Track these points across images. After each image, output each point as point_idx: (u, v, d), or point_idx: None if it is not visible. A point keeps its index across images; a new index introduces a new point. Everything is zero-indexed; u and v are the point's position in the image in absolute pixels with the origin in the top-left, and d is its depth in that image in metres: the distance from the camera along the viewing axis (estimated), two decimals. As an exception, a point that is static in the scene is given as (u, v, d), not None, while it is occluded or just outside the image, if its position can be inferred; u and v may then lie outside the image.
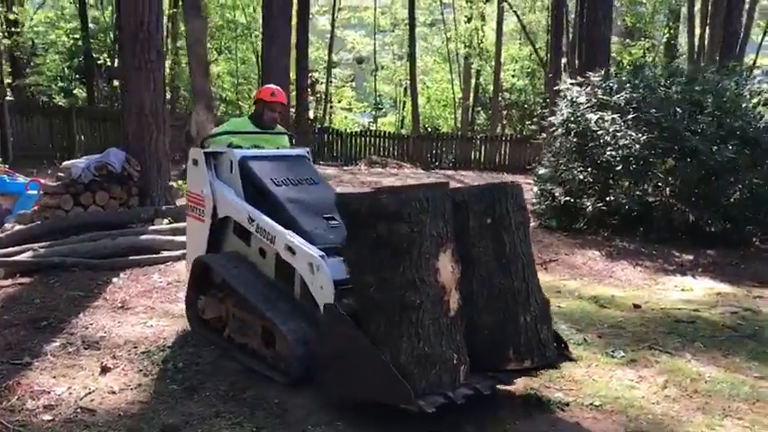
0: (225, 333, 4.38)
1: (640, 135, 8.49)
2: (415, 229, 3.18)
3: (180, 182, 8.61)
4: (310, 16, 23.69)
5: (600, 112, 8.95)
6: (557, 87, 11.13)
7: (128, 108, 8.54)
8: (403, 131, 26.83)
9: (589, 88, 9.48)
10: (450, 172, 19.32)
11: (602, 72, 9.79)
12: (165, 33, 14.85)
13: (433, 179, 15.31)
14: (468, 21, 28.71)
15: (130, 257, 6.52)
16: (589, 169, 8.99)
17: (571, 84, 9.93)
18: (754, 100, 9.09)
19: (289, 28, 14.10)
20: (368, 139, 22.43)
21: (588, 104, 9.24)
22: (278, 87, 5.52)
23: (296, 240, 3.97)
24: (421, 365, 3.17)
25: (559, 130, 9.61)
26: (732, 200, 8.32)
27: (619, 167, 8.56)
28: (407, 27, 25.15)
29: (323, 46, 29.97)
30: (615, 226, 8.88)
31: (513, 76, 29.56)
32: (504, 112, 28.51)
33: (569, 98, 9.61)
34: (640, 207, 8.55)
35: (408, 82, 26.54)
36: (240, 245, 4.50)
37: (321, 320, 3.54)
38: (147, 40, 8.24)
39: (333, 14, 28.30)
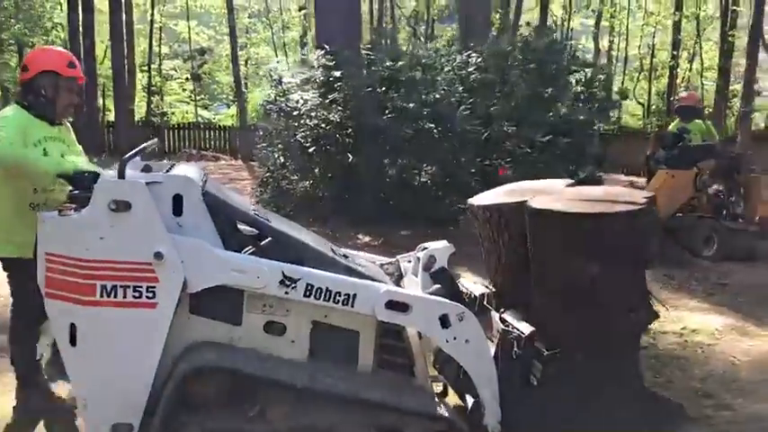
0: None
1: (330, 114, 8.41)
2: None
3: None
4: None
5: (305, 92, 8.69)
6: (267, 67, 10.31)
7: None
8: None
9: (307, 67, 9.15)
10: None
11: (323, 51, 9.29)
12: None
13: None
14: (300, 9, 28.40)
15: None
16: (287, 152, 8.77)
17: (277, 62, 9.27)
18: (446, 68, 9.66)
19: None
20: (188, 132, 22.01)
21: (298, 83, 8.91)
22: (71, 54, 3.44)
23: (400, 291, 2.88)
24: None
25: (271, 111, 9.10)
26: (422, 179, 8.84)
27: (312, 149, 8.37)
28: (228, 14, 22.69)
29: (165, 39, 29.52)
30: (322, 208, 8.68)
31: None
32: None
33: (276, 77, 9.12)
34: (340, 190, 8.56)
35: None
36: (217, 329, 2.80)
37: (544, 373, 2.78)
38: None
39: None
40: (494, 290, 3.47)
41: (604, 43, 30.42)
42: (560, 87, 10.43)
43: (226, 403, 2.74)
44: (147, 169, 2.83)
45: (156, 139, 3.15)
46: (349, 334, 2.90)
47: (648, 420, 2.90)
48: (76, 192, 2.86)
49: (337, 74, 8.73)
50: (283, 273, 2.73)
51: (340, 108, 8.61)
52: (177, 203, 2.72)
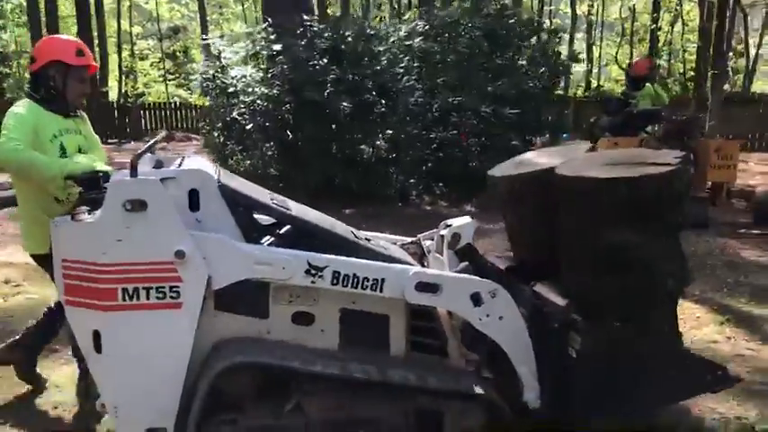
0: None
1: (268, 90, 8.14)
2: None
3: None
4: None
5: (246, 67, 8.42)
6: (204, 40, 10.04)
7: None
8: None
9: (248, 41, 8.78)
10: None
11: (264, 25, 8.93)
12: None
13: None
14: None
15: None
16: (226, 132, 8.46)
17: (219, 36, 8.94)
18: (392, 39, 9.41)
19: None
20: (162, 112, 21.82)
21: (242, 58, 8.60)
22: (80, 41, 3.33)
23: (429, 271, 2.81)
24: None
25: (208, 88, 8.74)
26: (366, 154, 8.63)
27: (249, 126, 8.11)
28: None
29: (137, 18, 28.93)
30: (266, 187, 8.52)
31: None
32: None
33: (215, 52, 8.78)
34: (285, 167, 8.35)
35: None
36: (244, 324, 2.73)
37: (583, 344, 2.72)
38: None
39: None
40: (518, 264, 3.40)
41: (583, 8, 30.03)
42: (510, 55, 10.19)
43: (260, 399, 2.68)
44: (158, 165, 2.73)
45: (164, 132, 3.05)
46: (379, 319, 2.85)
47: (693, 383, 2.87)
48: (88, 193, 2.77)
49: (278, 47, 8.36)
50: (309, 262, 2.65)
51: (279, 83, 8.22)
52: (194, 198, 2.63)
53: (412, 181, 9.15)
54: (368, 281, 2.70)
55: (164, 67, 31.27)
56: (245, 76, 8.40)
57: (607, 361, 2.74)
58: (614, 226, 2.64)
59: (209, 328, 2.66)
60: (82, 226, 2.51)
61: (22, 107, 3.19)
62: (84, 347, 2.59)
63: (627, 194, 2.56)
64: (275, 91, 8.18)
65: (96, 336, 2.54)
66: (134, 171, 2.51)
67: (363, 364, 2.73)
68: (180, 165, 2.79)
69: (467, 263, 3.05)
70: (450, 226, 3.23)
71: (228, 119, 8.43)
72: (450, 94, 9.17)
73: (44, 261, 3.29)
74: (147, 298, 2.53)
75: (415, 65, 9.24)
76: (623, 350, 2.73)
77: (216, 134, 8.84)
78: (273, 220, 2.89)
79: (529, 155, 3.54)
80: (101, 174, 2.87)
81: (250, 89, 8.22)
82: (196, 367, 2.64)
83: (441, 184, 9.41)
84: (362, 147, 8.63)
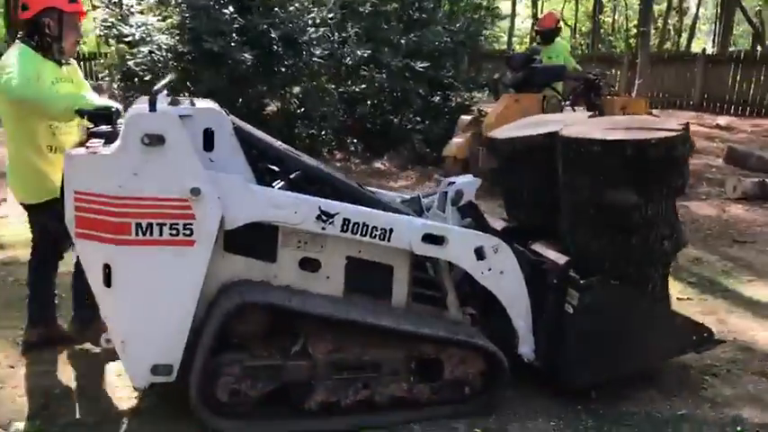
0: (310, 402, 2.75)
1: (164, 37, 7.72)
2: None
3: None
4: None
5: (147, 16, 7.96)
6: None
7: None
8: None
9: None
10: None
11: None
12: None
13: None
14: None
15: None
16: (126, 83, 7.98)
17: None
18: None
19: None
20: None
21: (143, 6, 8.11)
22: None
23: (435, 224, 2.90)
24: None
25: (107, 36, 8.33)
26: (272, 109, 8.32)
27: (149, 77, 7.61)
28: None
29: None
30: None
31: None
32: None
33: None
34: None
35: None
36: (252, 267, 2.77)
37: (581, 301, 2.84)
38: None
39: None
40: (515, 224, 3.50)
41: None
42: (431, 8, 9.79)
43: (267, 340, 2.73)
44: (174, 102, 2.73)
45: (173, 74, 3.05)
46: (383, 268, 2.92)
47: (681, 343, 3.02)
48: (98, 128, 2.76)
49: None
50: (320, 208, 2.70)
51: (178, 32, 7.76)
52: (208, 138, 2.65)
53: (322, 136, 8.81)
54: (377, 230, 2.77)
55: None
56: (144, 24, 7.91)
57: (602, 317, 2.87)
58: (618, 187, 2.75)
59: (217, 268, 2.70)
60: (98, 158, 2.51)
61: (20, 51, 3.12)
62: (93, 281, 2.60)
63: (633, 156, 2.67)
64: (174, 40, 7.74)
65: (107, 269, 2.56)
66: (153, 106, 2.51)
67: (369, 311, 2.80)
68: (192, 104, 2.80)
69: (470, 219, 3.13)
70: (452, 183, 3.31)
71: (126, 69, 7.93)
72: (360, 47, 8.73)
73: (33, 210, 3.28)
74: (161, 234, 2.55)
75: (330, 16, 8.79)
76: (618, 307, 2.87)
77: (115, 86, 8.25)
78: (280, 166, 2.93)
79: (531, 119, 3.63)
80: (113, 109, 2.86)
81: (149, 38, 7.76)
82: (203, 306, 2.68)
83: (355, 140, 9.17)
84: (266, 100, 8.27)
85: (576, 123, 3.16)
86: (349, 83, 9.12)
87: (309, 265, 2.83)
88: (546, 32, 8.59)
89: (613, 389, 3.04)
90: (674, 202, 2.93)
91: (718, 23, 23.26)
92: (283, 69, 8.04)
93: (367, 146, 9.09)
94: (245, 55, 7.38)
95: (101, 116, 2.82)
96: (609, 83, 8.76)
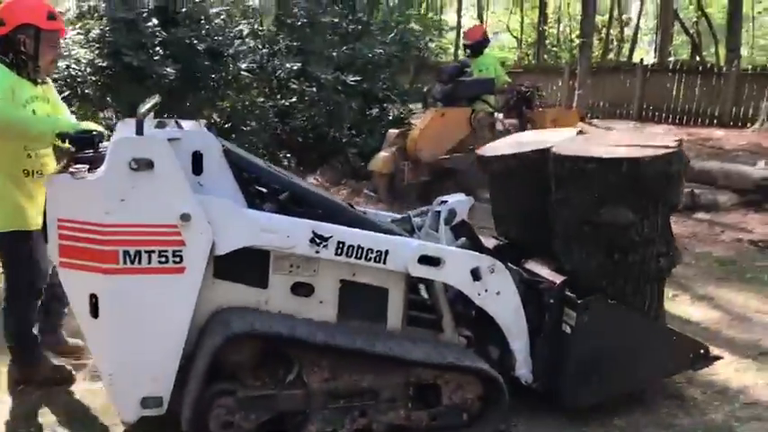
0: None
1: (83, 51, 7.41)
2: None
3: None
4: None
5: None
6: None
7: None
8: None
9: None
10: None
11: None
12: None
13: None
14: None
15: None
16: None
17: None
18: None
19: None
20: None
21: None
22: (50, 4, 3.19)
23: (431, 245, 2.85)
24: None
25: None
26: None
27: (67, 93, 7.20)
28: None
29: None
30: None
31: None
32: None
33: None
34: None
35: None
36: (243, 293, 2.69)
37: (579, 320, 2.81)
38: None
39: None
40: (506, 242, 3.48)
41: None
42: (365, 21, 9.68)
43: (261, 370, 2.65)
44: (160, 125, 2.65)
45: (158, 96, 2.95)
46: (378, 291, 2.86)
47: (678, 361, 3.01)
48: (82, 152, 2.67)
49: (92, 2, 7.66)
50: (314, 231, 2.64)
51: (98, 45, 7.47)
52: (197, 161, 2.57)
53: (254, 150, 8.62)
54: (372, 252, 2.72)
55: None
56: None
57: (600, 337, 2.84)
58: (613, 205, 2.74)
59: (207, 295, 2.62)
60: (83, 184, 2.42)
61: None
62: (78, 312, 2.50)
63: (629, 173, 2.66)
64: (92, 54, 7.41)
65: (93, 299, 2.47)
66: (140, 129, 2.43)
67: (364, 336, 2.74)
68: (179, 127, 2.72)
69: (464, 239, 3.10)
70: (445, 202, 3.27)
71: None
72: (290, 60, 8.60)
73: (3, 240, 3.09)
74: (149, 262, 2.47)
75: (259, 29, 8.72)
76: (616, 326, 2.85)
77: None
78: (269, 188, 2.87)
79: (521, 135, 3.62)
80: (95, 133, 2.76)
81: (67, 52, 7.34)
82: (193, 335, 2.60)
83: (288, 155, 8.94)
84: (193, 115, 7.75)
85: (568, 140, 3.14)
86: (279, 96, 8.92)
87: (302, 289, 2.76)
88: (474, 45, 8.52)
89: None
90: (669, 219, 2.92)
91: (656, 34, 23.83)
92: (211, 83, 7.85)
93: (300, 160, 8.92)
94: (168, 69, 7.20)
95: (83, 140, 2.72)
96: (541, 95, 8.74)
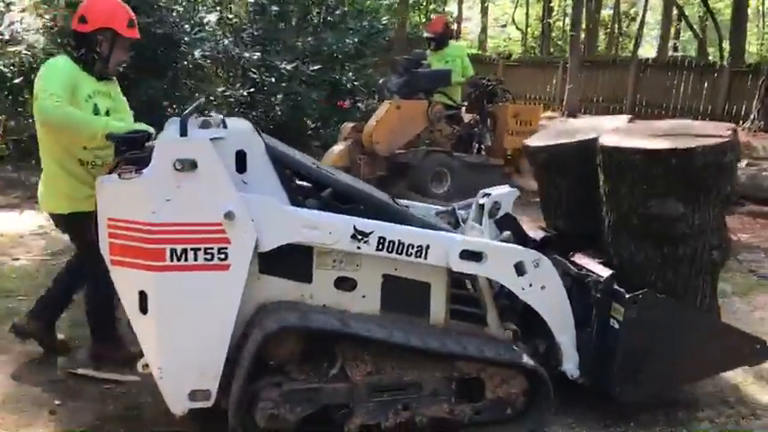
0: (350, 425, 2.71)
1: (38, 37, 7.33)
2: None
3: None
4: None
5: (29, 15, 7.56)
6: None
7: None
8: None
9: None
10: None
11: None
12: None
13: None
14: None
15: None
16: None
17: None
18: None
19: None
20: None
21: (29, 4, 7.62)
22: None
23: (473, 240, 2.84)
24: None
25: None
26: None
27: (18, 80, 7.30)
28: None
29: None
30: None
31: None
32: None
33: None
34: None
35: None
36: (288, 288, 2.74)
37: (627, 315, 2.76)
38: None
39: None
40: (554, 234, 3.43)
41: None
42: (332, 11, 9.44)
43: (305, 363, 2.70)
44: (205, 125, 2.71)
45: (202, 98, 3.04)
46: (420, 286, 2.87)
47: (735, 355, 2.92)
48: (130, 153, 2.75)
49: None
50: (355, 227, 2.67)
51: (52, 31, 7.39)
52: (241, 160, 2.62)
53: None
54: (413, 247, 2.73)
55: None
56: (14, 23, 7.39)
57: (649, 332, 2.78)
58: (664, 197, 2.67)
59: (253, 291, 2.68)
60: (130, 185, 2.50)
61: (60, 62, 3.18)
62: (128, 308, 2.60)
63: (679, 165, 2.58)
64: (47, 40, 7.33)
65: (142, 296, 2.56)
66: (184, 130, 2.50)
67: (407, 330, 2.76)
68: (224, 125, 2.78)
69: (509, 232, 3.07)
70: (488, 195, 3.25)
71: None
72: (252, 49, 8.48)
73: (62, 221, 3.32)
74: (195, 259, 2.54)
75: (215, 18, 8.49)
76: (666, 321, 2.78)
77: None
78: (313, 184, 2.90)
79: (565, 125, 3.55)
80: (143, 133, 2.85)
81: (20, 38, 7.31)
82: (240, 330, 2.66)
83: None
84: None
85: (616, 130, 3.07)
86: (238, 86, 8.77)
87: (345, 284, 2.80)
88: (436, 37, 8.31)
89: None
90: (722, 211, 2.83)
91: (661, 30, 23.19)
92: (168, 72, 7.78)
93: None
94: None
95: (129, 140, 2.82)
96: (505, 89, 8.48)
